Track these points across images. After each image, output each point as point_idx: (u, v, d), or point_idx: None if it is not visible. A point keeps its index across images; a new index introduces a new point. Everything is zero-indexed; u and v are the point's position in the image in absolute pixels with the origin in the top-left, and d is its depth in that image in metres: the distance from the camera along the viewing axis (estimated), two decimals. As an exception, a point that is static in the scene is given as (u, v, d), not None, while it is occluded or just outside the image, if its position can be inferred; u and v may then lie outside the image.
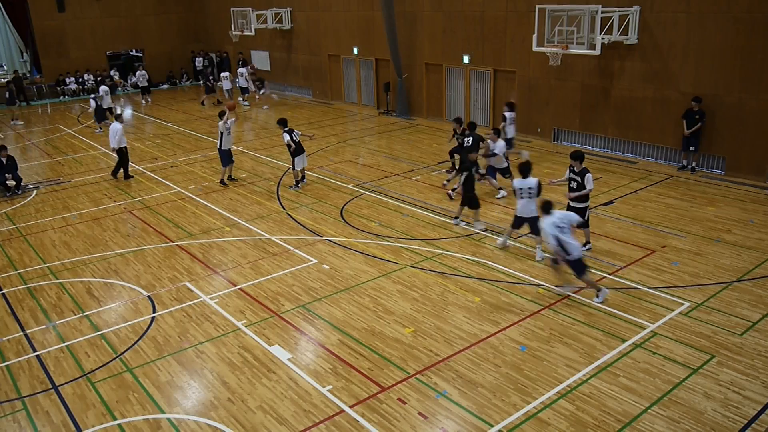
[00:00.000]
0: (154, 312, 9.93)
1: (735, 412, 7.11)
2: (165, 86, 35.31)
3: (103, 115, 24.05)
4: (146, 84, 31.04)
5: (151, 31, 35.07)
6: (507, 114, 16.93)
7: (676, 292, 9.87)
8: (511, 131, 16.90)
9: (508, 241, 11.88)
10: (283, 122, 15.79)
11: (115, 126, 17.03)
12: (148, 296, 10.46)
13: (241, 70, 28.86)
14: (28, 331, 9.51)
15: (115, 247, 12.63)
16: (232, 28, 30.95)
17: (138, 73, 32.47)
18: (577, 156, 11.15)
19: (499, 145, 14.44)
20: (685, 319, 9.09)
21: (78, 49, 33.00)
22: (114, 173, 17.56)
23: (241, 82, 28.53)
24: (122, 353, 8.81)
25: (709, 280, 10.24)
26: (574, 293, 9.88)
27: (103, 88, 25.24)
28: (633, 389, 7.57)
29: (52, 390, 8.06)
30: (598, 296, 9.61)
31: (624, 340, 8.59)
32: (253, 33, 29.84)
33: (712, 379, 7.70)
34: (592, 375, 7.88)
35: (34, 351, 8.97)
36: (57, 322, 9.75)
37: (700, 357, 8.16)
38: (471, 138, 14.29)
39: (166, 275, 11.23)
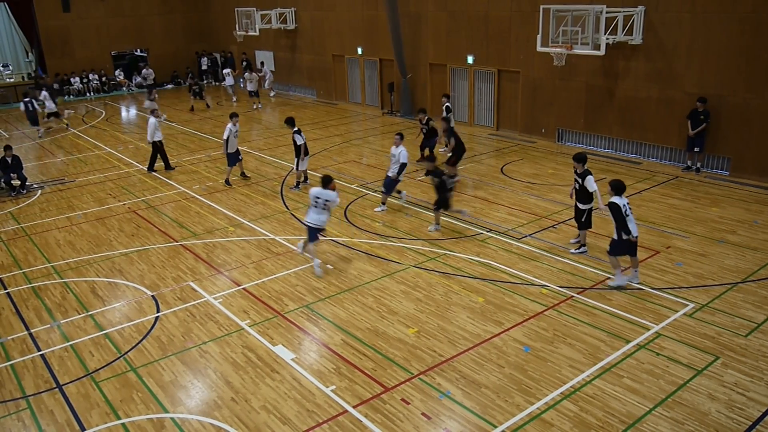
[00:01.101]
0: (158, 311, 9.95)
1: (739, 414, 7.09)
2: (169, 86, 35.36)
3: (36, 120, 23.35)
4: (152, 82, 30.99)
5: (156, 31, 35.14)
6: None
7: (680, 293, 9.84)
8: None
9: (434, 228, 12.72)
10: (291, 122, 15.67)
11: (151, 120, 17.61)
12: (152, 296, 10.49)
13: (247, 75, 28.69)
14: (32, 331, 9.55)
15: (119, 246, 12.67)
16: (237, 28, 30.99)
17: (144, 71, 32.50)
18: (578, 158, 11.16)
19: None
20: (689, 320, 9.07)
21: (83, 49, 33.11)
22: (150, 168, 17.96)
23: (250, 86, 28.44)
24: (126, 353, 8.83)
25: (714, 281, 10.21)
26: (578, 294, 9.87)
27: (43, 93, 24.42)
28: (637, 390, 7.55)
29: (57, 389, 8.09)
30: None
31: (628, 341, 8.57)
32: (257, 33, 29.87)
33: (717, 381, 7.68)
34: (596, 376, 7.87)
35: (39, 350, 9.00)
36: (61, 322, 9.78)
37: (705, 358, 8.14)
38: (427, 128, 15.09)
39: (170, 275, 11.25)
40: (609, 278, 10.33)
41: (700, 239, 11.84)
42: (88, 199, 15.83)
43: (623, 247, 9.85)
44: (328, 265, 11.23)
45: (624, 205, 9.65)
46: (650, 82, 16.63)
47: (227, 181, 16.49)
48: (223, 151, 16.26)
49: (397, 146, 13.75)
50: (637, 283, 10.11)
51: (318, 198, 10.74)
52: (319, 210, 10.76)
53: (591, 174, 11.10)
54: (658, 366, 8.01)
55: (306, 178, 15.99)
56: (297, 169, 15.66)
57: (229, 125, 15.99)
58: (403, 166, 13.57)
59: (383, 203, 13.97)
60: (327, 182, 10.87)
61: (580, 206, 11.18)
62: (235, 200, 15.17)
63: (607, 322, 9.07)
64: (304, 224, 11.17)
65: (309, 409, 7.47)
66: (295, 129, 15.39)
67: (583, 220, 11.23)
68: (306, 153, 15.37)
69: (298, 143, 15.12)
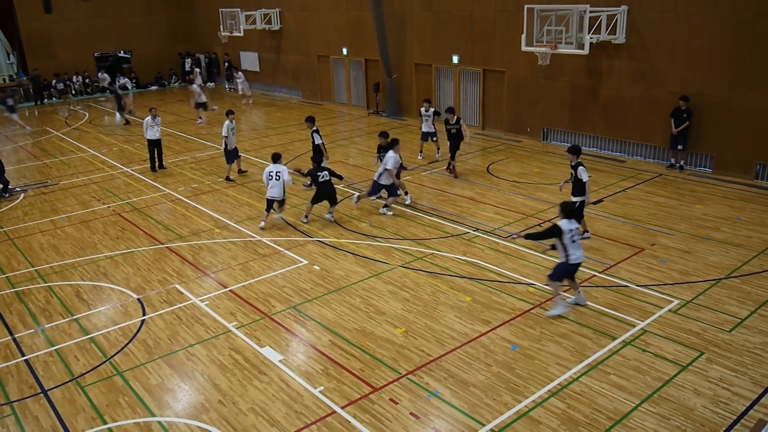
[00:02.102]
0: (144, 315, 9.88)
1: (724, 408, 7.16)
2: (153, 87, 35.14)
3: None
4: (127, 89, 30.33)
5: (140, 32, 34.87)
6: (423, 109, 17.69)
7: (666, 290, 9.92)
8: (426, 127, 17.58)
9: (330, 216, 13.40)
10: (311, 120, 15.80)
11: (146, 119, 17.86)
12: (138, 299, 10.41)
13: (236, 75, 28.48)
14: (16, 336, 9.44)
15: (104, 249, 12.56)
16: (221, 29, 30.85)
17: (120, 80, 32.03)
18: (573, 150, 11.51)
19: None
20: (675, 316, 9.14)
21: (66, 51, 32.77)
22: (152, 167, 18.11)
23: (241, 87, 28.22)
24: (112, 356, 8.76)
25: (698, 277, 10.31)
26: (565, 292, 9.92)
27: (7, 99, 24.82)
28: (624, 387, 7.60)
29: (41, 394, 8.00)
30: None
31: (614, 338, 8.63)
32: (242, 34, 29.76)
33: (702, 376, 7.75)
34: (583, 373, 7.91)
35: (23, 355, 8.90)
36: (46, 326, 9.68)
37: (690, 354, 8.21)
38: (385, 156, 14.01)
39: (155, 277, 11.18)
40: (545, 308, 9.53)
41: (685, 236, 11.95)
42: (72, 202, 15.69)
43: (566, 272, 9.24)
44: (315, 266, 11.21)
45: (571, 230, 8.99)
46: (634, 81, 16.75)
47: (228, 178, 16.77)
48: (223, 148, 16.69)
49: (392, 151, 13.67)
50: (585, 303, 9.52)
51: (272, 173, 12.93)
52: (273, 183, 12.95)
53: (583, 165, 11.28)
54: (644, 362, 8.07)
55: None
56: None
57: (227, 122, 16.31)
58: (386, 171, 13.41)
59: (386, 206, 13.84)
60: (277, 158, 13.25)
61: (573, 198, 11.26)
62: (220, 202, 15.10)
63: (594, 320, 9.12)
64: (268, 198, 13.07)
65: (297, 411, 7.45)
66: (314, 128, 15.51)
67: (576, 206, 11.20)
68: (324, 152, 15.47)
69: (317, 142, 15.30)
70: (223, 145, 16.57)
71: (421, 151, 18.19)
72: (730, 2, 14.57)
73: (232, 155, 16.66)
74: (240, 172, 17.28)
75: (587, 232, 11.75)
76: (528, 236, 9.67)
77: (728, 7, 14.61)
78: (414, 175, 16.47)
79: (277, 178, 12.91)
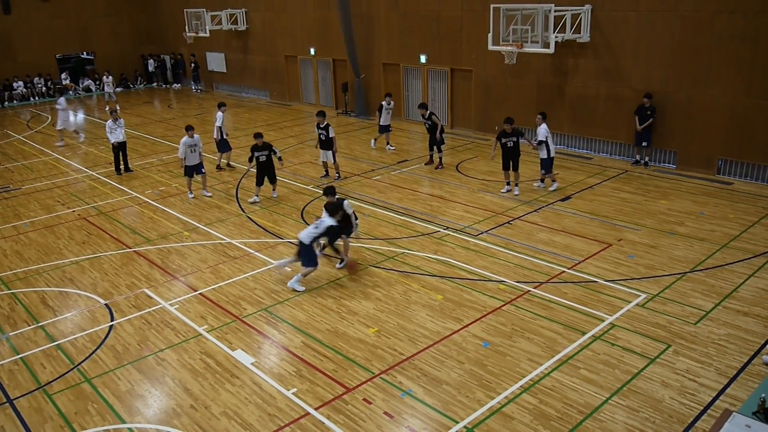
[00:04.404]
0: (112, 320, 9.71)
1: (691, 399, 7.31)
2: (118, 89, 34.54)
3: None
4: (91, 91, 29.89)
5: (102, 33, 34.23)
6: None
7: (633, 284, 10.10)
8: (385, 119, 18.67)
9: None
10: (323, 114, 16.13)
11: (108, 122, 17.69)
12: (106, 304, 10.23)
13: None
14: (-21, 344, 9.21)
15: (69, 255, 12.32)
16: (186, 30, 30.48)
17: (86, 81, 31.32)
18: (507, 120, 14.11)
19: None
20: (642, 310, 9.31)
21: (26, 53, 31.99)
22: (117, 170, 17.98)
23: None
24: (80, 363, 8.60)
25: (664, 271, 10.51)
26: (535, 288, 10.03)
27: None
28: (594, 381, 7.72)
29: (7, 404, 7.81)
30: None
31: (584, 333, 8.75)
32: (207, 34, 29.44)
33: (669, 368, 7.91)
34: (554, 368, 8.01)
35: (-13, 364, 8.69)
36: (10, 334, 9.46)
37: (657, 347, 8.37)
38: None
39: (123, 282, 11.00)
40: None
41: (651, 231, 12.17)
42: (36, 206, 15.35)
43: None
44: (287, 268, 11.14)
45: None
46: (599, 79, 17.01)
47: (229, 164, 17.90)
48: (215, 137, 17.41)
49: None
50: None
51: (194, 145, 14.80)
52: (195, 156, 14.91)
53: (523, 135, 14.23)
54: (614, 356, 8.20)
55: (327, 171, 16.67)
56: (335, 161, 16.14)
57: (219, 113, 17.32)
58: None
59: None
60: (189, 129, 14.84)
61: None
62: (189, 204, 14.91)
63: (564, 315, 9.24)
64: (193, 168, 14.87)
65: (270, 413, 7.40)
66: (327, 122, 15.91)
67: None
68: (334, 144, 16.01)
69: (331, 135, 15.69)
70: (218, 135, 17.24)
71: (374, 140, 19.39)
72: (690, 2, 14.89)
73: (223, 145, 17.44)
74: (228, 165, 17.92)
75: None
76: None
77: (688, 6, 14.93)
78: (384, 175, 16.50)
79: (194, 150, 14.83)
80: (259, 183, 14.74)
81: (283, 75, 28.15)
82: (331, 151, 15.89)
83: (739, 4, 14.15)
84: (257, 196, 14.81)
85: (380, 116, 18.70)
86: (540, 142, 14.35)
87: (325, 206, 10.80)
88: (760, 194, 14.03)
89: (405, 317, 9.39)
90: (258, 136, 14.59)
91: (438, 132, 16.45)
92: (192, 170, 15.20)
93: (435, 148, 16.75)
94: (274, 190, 15.13)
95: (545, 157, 14.44)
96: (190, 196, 15.35)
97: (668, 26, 15.37)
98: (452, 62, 20.67)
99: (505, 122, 14.36)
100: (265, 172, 14.74)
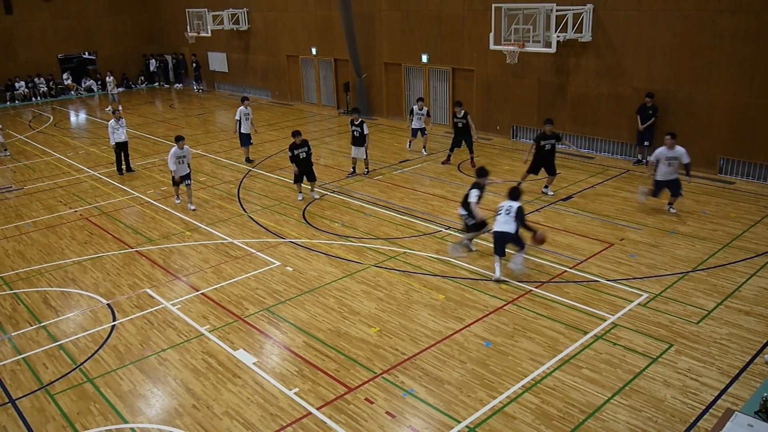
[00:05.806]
0: (114, 320, 9.73)
1: (693, 399, 7.31)
2: (120, 89, 34.55)
3: None
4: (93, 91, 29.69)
5: (104, 33, 34.26)
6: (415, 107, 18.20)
7: (635, 284, 10.09)
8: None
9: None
10: (359, 111, 16.58)
11: (110, 122, 17.65)
12: (108, 304, 10.25)
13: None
14: (-18, 344, 9.23)
15: (71, 255, 12.34)
16: (188, 30, 30.50)
17: (89, 81, 31.20)
18: (547, 121, 13.90)
19: None
20: (644, 309, 9.31)
21: (28, 53, 32.02)
22: (119, 170, 18.01)
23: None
24: (82, 363, 8.61)
25: (666, 270, 10.50)
26: (537, 288, 10.03)
27: None
28: (596, 380, 7.71)
29: (9, 404, 7.83)
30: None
31: (586, 333, 8.75)
32: (209, 34, 29.47)
33: (671, 368, 7.90)
34: (556, 368, 8.01)
35: (-11, 364, 8.71)
36: (12, 334, 9.47)
37: (659, 346, 8.36)
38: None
39: (125, 282, 11.01)
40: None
41: (652, 231, 12.16)
42: (38, 207, 15.37)
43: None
44: (288, 267, 11.14)
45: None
46: (600, 79, 17.00)
47: (248, 158, 18.32)
48: (235, 131, 18.17)
49: None
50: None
51: (183, 156, 14.33)
52: (184, 167, 14.36)
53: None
54: (616, 355, 8.20)
55: (354, 169, 16.74)
56: (366, 156, 16.33)
57: (241, 108, 17.88)
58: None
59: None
60: (179, 139, 14.25)
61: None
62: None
63: (565, 315, 9.24)
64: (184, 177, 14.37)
65: (272, 413, 7.41)
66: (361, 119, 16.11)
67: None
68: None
69: (365, 132, 15.80)
70: (236, 128, 18.00)
71: (410, 143, 19.18)
72: (691, 1, 14.88)
73: (245, 139, 18.03)
74: (247, 160, 18.29)
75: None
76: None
77: (690, 6, 14.91)
78: (386, 174, 16.50)
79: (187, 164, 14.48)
80: (299, 180, 14.66)
81: (285, 75, 28.16)
82: (363, 147, 16.03)
83: (741, 4, 14.13)
84: (301, 193, 14.87)
85: (411, 120, 18.22)
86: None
87: (475, 185, 11.28)
88: (762, 193, 14.01)
89: (407, 317, 9.40)
90: (296, 134, 14.38)
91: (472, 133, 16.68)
92: (180, 181, 14.68)
93: (467, 148, 16.85)
94: (312, 189, 15.11)
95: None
96: (177, 201, 14.98)
97: (670, 25, 15.35)
98: (454, 62, 20.66)
99: (546, 123, 13.90)
100: (305, 168, 14.60)
